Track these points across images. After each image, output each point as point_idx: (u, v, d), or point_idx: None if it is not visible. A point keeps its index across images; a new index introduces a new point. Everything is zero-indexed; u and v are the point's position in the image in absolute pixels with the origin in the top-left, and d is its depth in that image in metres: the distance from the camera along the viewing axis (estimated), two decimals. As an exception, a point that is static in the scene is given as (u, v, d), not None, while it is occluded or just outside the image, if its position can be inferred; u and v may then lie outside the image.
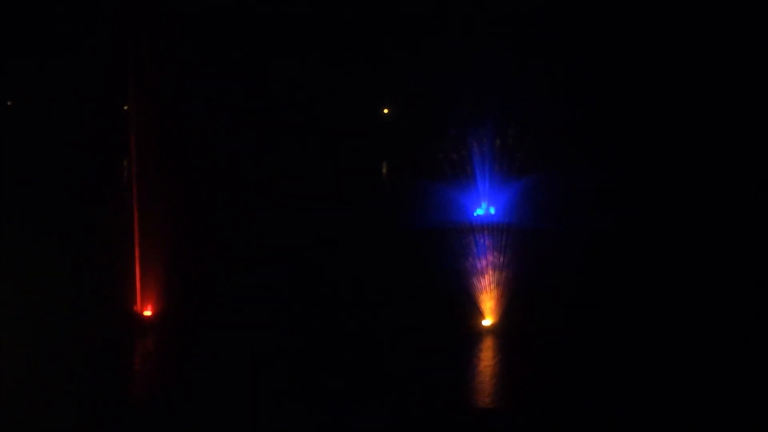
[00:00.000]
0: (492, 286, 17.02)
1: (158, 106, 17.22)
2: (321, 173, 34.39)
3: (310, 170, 34.76)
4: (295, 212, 27.50)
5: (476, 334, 16.52)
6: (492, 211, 27.37)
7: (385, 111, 45.52)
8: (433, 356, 15.49)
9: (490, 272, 17.17)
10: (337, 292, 19.38)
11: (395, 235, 24.78)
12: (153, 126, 17.21)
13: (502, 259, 17.38)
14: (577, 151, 32.38)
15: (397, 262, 21.68)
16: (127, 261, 16.91)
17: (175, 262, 17.48)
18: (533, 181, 27.62)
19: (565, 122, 33.71)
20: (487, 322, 16.82)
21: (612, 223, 24.93)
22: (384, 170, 41.51)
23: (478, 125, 27.74)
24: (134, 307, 16.74)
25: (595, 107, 35.97)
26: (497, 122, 27.53)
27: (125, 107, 17.06)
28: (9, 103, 41.22)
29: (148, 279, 16.73)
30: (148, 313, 16.76)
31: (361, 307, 18.19)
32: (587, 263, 20.65)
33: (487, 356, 15.83)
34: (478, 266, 17.34)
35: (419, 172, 29.83)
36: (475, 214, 27.06)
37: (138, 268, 16.73)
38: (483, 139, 27.40)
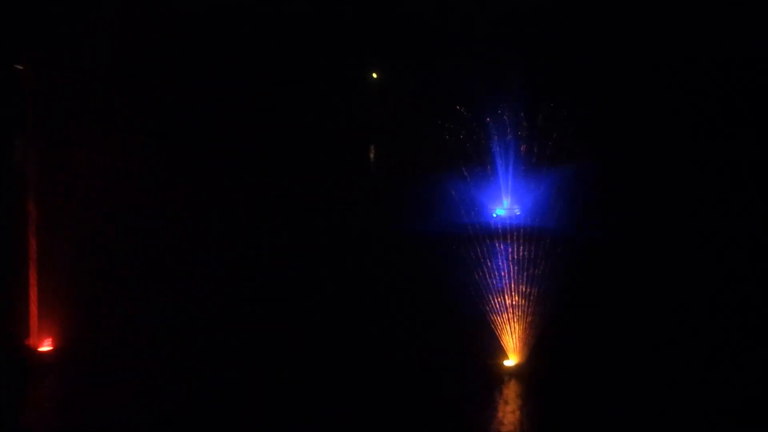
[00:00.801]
0: (517, 314, 13.33)
1: (62, 106, 14.34)
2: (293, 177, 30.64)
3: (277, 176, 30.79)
4: (243, 223, 23.55)
5: (496, 377, 13.14)
6: (517, 211, 23.86)
7: (374, 75, 44.46)
8: (441, 410, 12.24)
9: (515, 295, 13.54)
10: (303, 315, 16.01)
11: (395, 240, 21.35)
12: (56, 132, 14.40)
13: (529, 277, 13.73)
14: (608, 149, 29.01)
15: (400, 280, 18.12)
16: (20, 285, 14.02)
17: (81, 288, 14.61)
18: (557, 179, 23.59)
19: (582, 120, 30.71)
20: (510, 362, 13.36)
21: (656, 232, 21.07)
22: (384, 170, 38.46)
23: (482, 123, 24.73)
24: (27, 341, 13.89)
25: (597, 106, 33.68)
26: (499, 120, 24.66)
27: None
28: None
29: (47, 307, 13.88)
30: (46, 348, 13.90)
31: (351, 348, 14.43)
32: (632, 280, 17.14)
33: (509, 409, 12.43)
34: (499, 287, 13.82)
35: (422, 171, 26.98)
36: (495, 215, 23.69)
37: (34, 294, 13.88)
38: (491, 135, 24.49)
